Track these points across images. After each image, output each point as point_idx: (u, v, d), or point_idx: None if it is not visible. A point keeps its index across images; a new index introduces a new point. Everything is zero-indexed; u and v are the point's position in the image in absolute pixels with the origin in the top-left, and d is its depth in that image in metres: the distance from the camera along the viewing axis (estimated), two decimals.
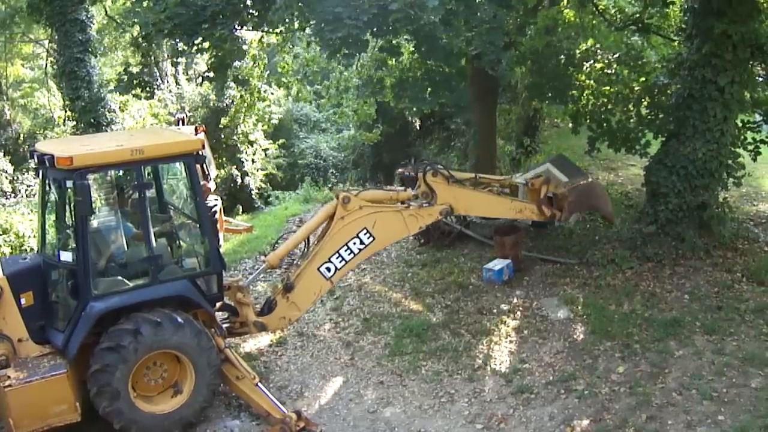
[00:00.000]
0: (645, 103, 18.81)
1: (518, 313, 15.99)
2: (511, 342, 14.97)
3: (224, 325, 13.20)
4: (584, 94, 19.66)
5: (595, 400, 12.67)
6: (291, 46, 27.11)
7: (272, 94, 37.13)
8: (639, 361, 13.66)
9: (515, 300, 16.49)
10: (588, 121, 19.35)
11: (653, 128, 18.17)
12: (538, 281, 17.23)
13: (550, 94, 20.05)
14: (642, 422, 11.90)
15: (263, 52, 28.20)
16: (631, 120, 18.76)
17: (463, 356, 14.52)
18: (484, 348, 14.79)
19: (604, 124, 19.01)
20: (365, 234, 13.28)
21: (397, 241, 19.76)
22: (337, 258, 13.20)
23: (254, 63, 28.36)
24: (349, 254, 13.26)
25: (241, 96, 32.48)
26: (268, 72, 30.66)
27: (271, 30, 21.62)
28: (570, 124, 21.06)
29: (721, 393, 12.41)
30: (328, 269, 13.23)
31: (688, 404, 12.22)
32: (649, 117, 18.45)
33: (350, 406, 13.25)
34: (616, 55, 19.84)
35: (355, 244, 13.25)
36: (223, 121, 36.12)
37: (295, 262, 14.85)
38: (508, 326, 15.47)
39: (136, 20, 18.46)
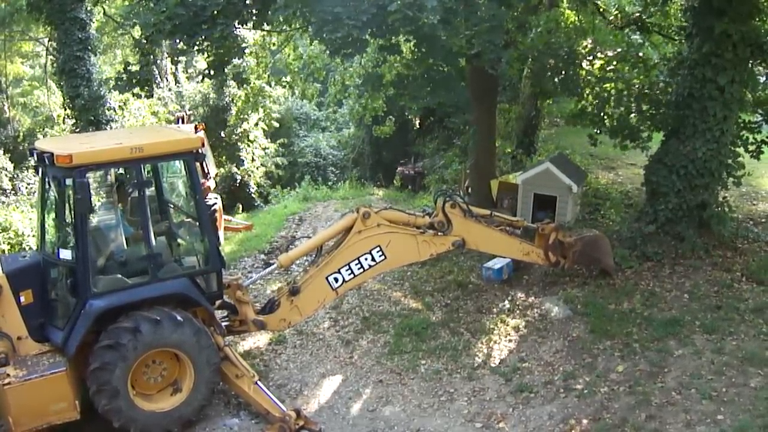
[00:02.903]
0: (646, 99, 18.75)
1: (518, 312, 16.00)
2: (510, 341, 14.97)
3: (223, 324, 13.20)
4: (586, 91, 19.63)
5: (595, 399, 12.67)
6: (295, 46, 27.11)
7: (271, 94, 37.20)
8: (638, 361, 13.65)
9: (515, 299, 16.51)
10: (590, 118, 19.32)
11: (655, 123, 18.16)
12: (538, 280, 17.26)
13: (552, 87, 19.98)
14: (641, 421, 11.90)
15: (266, 51, 28.21)
16: (632, 114, 18.75)
17: (462, 355, 14.53)
18: (483, 347, 14.80)
19: (606, 120, 19.00)
20: (378, 252, 13.57)
21: None
22: (346, 270, 13.44)
23: (257, 62, 28.39)
24: (358, 268, 13.50)
25: (246, 95, 32.55)
26: (270, 72, 30.69)
27: (271, 29, 21.63)
28: (571, 124, 21.00)
29: (721, 392, 12.39)
30: (336, 280, 13.43)
31: (687, 403, 12.21)
32: (650, 112, 18.42)
33: (349, 404, 13.27)
34: (618, 51, 19.81)
35: (366, 259, 13.53)
36: (231, 120, 36.26)
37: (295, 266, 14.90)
38: (507, 325, 15.47)
39: (136, 21, 18.45)
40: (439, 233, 14.29)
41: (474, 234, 14.60)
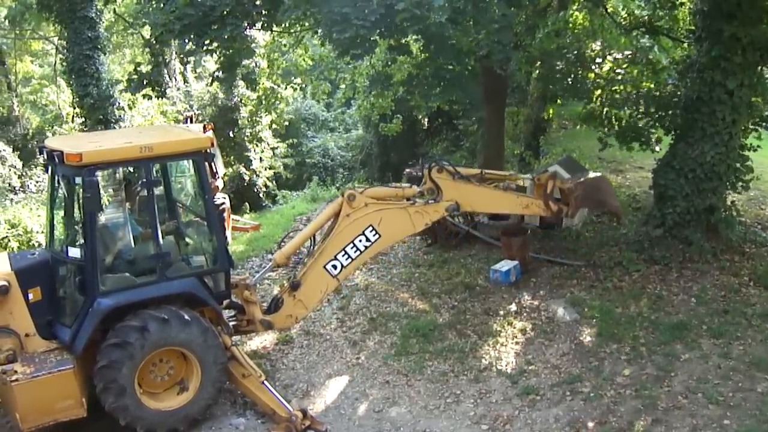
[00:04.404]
0: (655, 102, 18.71)
1: (525, 314, 15.97)
2: (517, 343, 14.96)
3: (231, 323, 13.21)
4: (595, 94, 19.62)
5: (601, 402, 12.66)
6: (306, 47, 27.20)
7: (283, 96, 37.32)
8: (645, 364, 13.65)
9: (522, 301, 16.48)
10: (599, 120, 19.31)
11: (663, 124, 18.14)
12: (545, 283, 17.22)
13: (560, 90, 19.98)
14: (647, 425, 11.89)
15: (278, 52, 28.28)
16: (640, 117, 18.73)
17: (469, 357, 14.52)
18: (490, 349, 14.78)
19: (615, 121, 18.97)
20: (371, 231, 13.21)
21: (404, 241, 19.85)
22: (343, 256, 13.15)
23: (268, 64, 28.46)
24: (355, 252, 13.20)
25: (259, 97, 32.62)
26: (281, 73, 30.78)
27: (280, 30, 21.65)
28: (579, 126, 21.00)
29: (727, 397, 12.40)
30: (335, 267, 13.17)
31: (693, 408, 12.21)
32: (659, 113, 18.39)
33: (356, 405, 13.27)
34: (627, 54, 19.79)
35: (361, 241, 13.20)
36: (243, 122, 36.37)
37: (297, 259, 14.80)
38: (514, 327, 15.46)
39: (146, 21, 18.51)
40: (430, 201, 13.82)
41: (467, 195, 14.03)
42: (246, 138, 37.57)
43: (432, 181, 13.82)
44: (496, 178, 15.08)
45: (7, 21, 36.32)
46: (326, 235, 13.49)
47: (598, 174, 16.66)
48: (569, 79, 19.23)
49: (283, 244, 14.07)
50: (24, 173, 33.58)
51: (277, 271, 17.15)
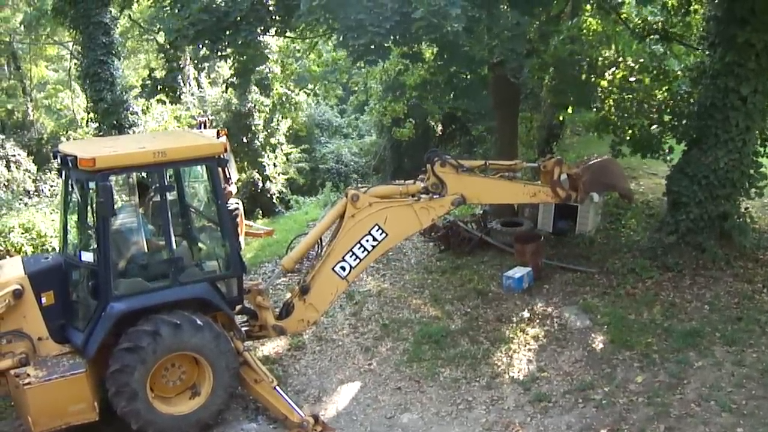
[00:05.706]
0: (667, 110, 18.66)
1: (537, 321, 15.94)
2: (529, 350, 14.93)
3: (243, 329, 13.22)
4: (607, 101, 19.56)
5: (613, 409, 12.61)
6: (319, 53, 27.27)
7: (299, 101, 37.45)
8: (658, 372, 13.59)
9: (535, 308, 16.44)
10: (611, 128, 19.26)
11: (676, 133, 18.09)
12: (558, 289, 17.19)
13: (572, 98, 19.93)
14: None
15: (290, 58, 28.35)
16: (653, 127, 18.67)
17: (481, 363, 14.48)
18: (502, 356, 14.75)
19: (628, 130, 18.92)
20: (377, 230, 13.05)
21: (417, 247, 19.84)
22: (351, 257, 13.02)
23: (282, 69, 28.53)
24: (363, 252, 13.06)
25: (273, 104, 32.68)
26: (295, 78, 30.86)
27: (295, 36, 21.69)
28: (593, 133, 20.95)
29: (740, 405, 12.32)
30: (343, 268, 13.04)
31: (706, 416, 12.14)
32: (672, 123, 18.34)
33: (368, 411, 13.25)
34: (640, 61, 19.71)
35: (368, 241, 13.04)
36: (259, 128, 36.54)
37: (306, 263, 14.77)
38: (527, 334, 15.42)
39: (160, 26, 18.56)
40: (435, 196, 13.60)
41: (472, 188, 13.77)
42: (260, 143, 37.67)
43: (435, 176, 13.61)
44: (500, 167, 14.77)
45: (22, 26, 36.60)
46: (333, 237, 13.39)
47: (606, 156, 16.46)
48: (581, 87, 19.15)
49: (291, 248, 14.03)
50: (38, 177, 33.83)
51: (288, 276, 17.18)
